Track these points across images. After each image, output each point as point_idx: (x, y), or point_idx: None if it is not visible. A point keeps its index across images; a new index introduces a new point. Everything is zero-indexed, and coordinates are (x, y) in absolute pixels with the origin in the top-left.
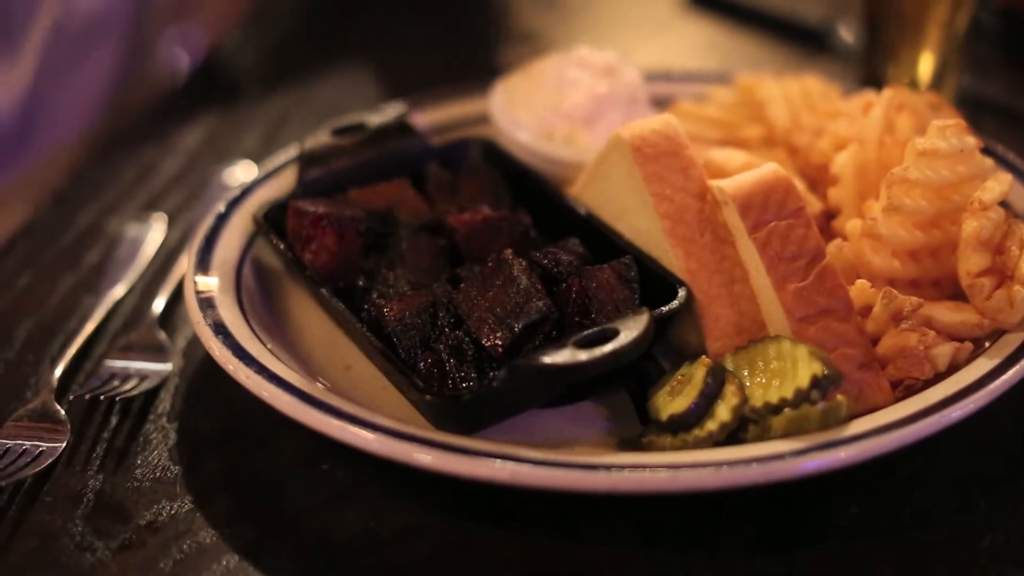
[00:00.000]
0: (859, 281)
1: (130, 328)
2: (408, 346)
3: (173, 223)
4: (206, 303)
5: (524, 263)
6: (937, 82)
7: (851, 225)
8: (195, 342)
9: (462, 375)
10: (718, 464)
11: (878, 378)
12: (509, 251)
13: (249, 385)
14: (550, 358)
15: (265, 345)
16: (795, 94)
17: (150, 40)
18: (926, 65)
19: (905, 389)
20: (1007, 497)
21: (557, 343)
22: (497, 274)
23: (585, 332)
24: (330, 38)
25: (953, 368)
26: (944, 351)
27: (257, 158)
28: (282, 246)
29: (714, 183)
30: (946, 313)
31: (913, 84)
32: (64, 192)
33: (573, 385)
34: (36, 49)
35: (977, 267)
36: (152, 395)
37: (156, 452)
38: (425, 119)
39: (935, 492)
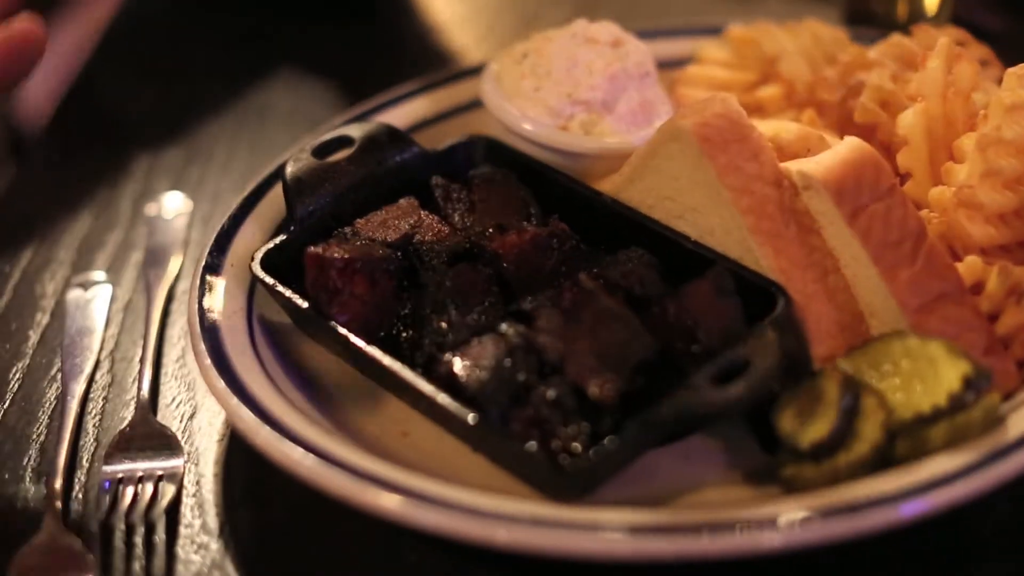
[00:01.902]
0: (969, 257)
1: (114, 417)
2: (497, 407)
3: (118, 278)
4: (235, 387)
5: (611, 291)
6: (942, 13)
7: (937, 193)
8: (197, 425)
9: (571, 431)
10: (920, 489)
11: (1005, 362)
12: (585, 276)
13: (316, 478)
14: (691, 401)
15: (318, 426)
16: (808, 44)
17: None
18: None
19: None
20: None
21: (683, 383)
22: (582, 307)
23: (712, 365)
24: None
25: None
26: None
27: (183, 185)
28: (304, 304)
29: (794, 167)
30: None
31: (917, 18)
32: None
33: None
34: None
35: None
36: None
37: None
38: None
39: None
